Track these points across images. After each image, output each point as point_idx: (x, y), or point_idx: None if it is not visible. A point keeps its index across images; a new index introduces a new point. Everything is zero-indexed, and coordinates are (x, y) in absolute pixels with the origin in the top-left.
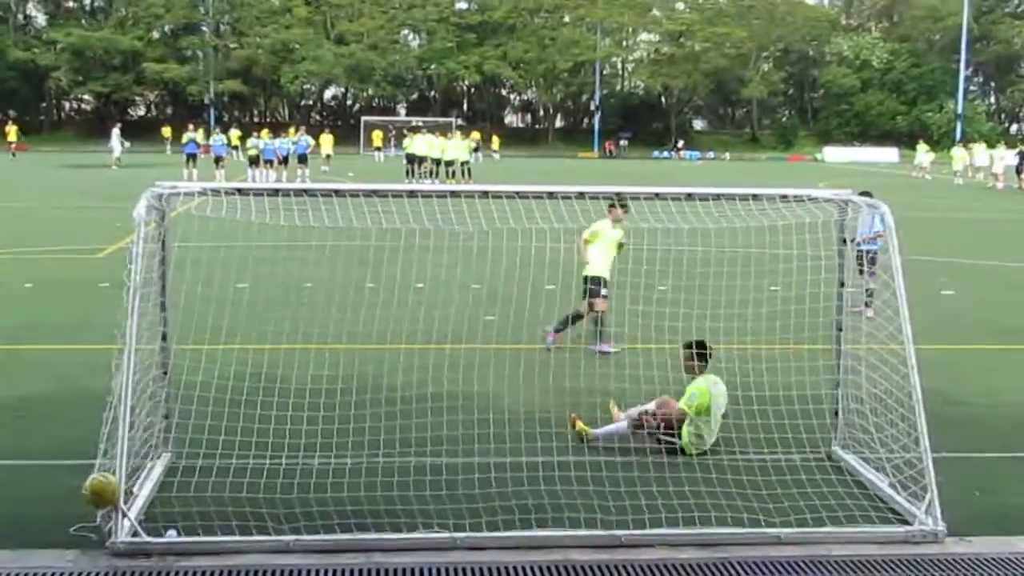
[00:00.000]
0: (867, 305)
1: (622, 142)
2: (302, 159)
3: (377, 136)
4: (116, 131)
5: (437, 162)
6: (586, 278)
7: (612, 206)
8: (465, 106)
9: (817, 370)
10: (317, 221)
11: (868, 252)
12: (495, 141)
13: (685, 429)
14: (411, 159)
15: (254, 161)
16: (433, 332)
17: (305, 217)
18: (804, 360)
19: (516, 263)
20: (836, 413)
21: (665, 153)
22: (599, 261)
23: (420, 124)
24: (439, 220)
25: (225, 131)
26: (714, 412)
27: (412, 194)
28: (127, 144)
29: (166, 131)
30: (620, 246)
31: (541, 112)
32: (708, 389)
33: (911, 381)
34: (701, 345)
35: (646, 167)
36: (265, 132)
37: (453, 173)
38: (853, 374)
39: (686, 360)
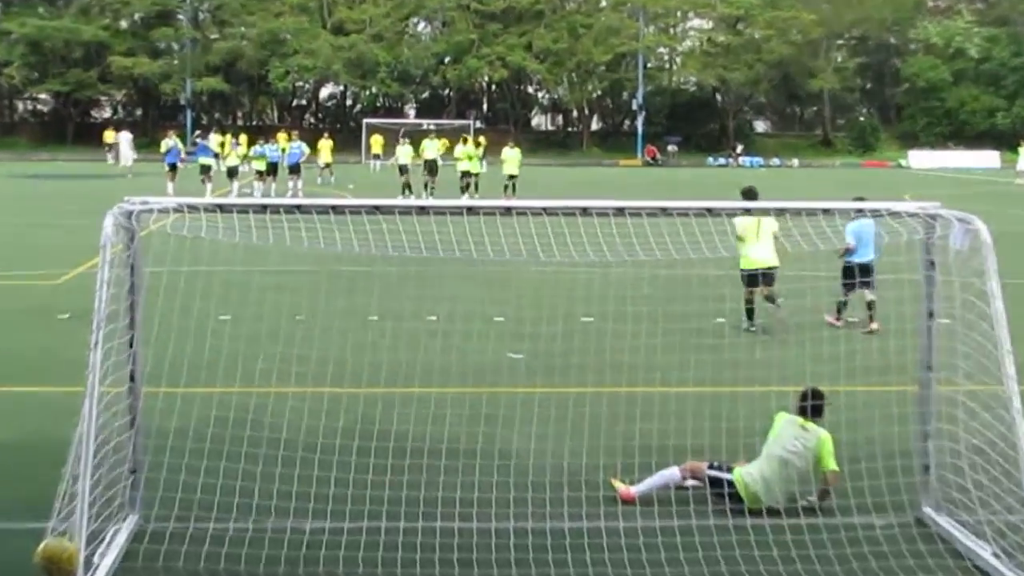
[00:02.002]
0: (871, 319)
1: (670, 147)
2: (294, 169)
3: (376, 142)
4: (126, 136)
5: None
6: (756, 273)
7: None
8: (485, 106)
9: (904, 418)
10: (312, 243)
11: (863, 265)
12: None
13: (737, 471)
14: (429, 168)
15: (264, 173)
16: (449, 372)
17: (298, 238)
18: (888, 406)
19: (545, 291)
20: (926, 468)
21: (721, 160)
22: (765, 251)
23: (432, 127)
24: (454, 242)
25: (227, 135)
26: (776, 451)
27: (423, 210)
28: (135, 154)
29: (110, 136)
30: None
31: (574, 113)
32: (777, 421)
33: (1016, 429)
34: (811, 395)
35: (700, 176)
36: (243, 137)
37: (427, 185)
38: (947, 422)
39: (799, 412)
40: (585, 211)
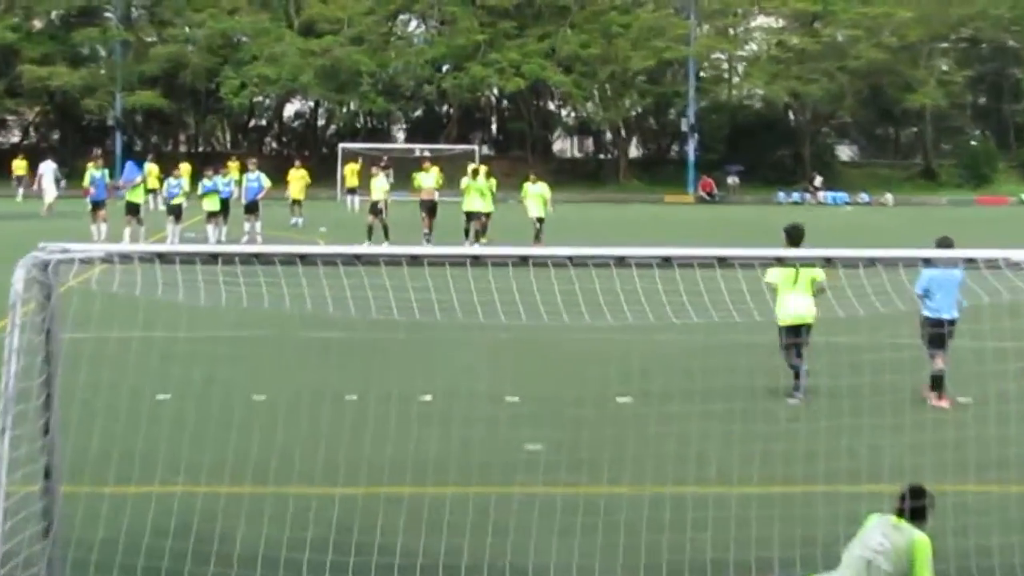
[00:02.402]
0: (939, 396)
1: (730, 179)
2: (251, 207)
3: (353, 172)
4: (49, 167)
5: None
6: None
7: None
8: (494, 127)
9: None
10: (275, 301)
11: (947, 322)
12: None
13: None
14: (429, 209)
15: (214, 213)
16: (448, 468)
17: (257, 295)
18: (1007, 509)
19: (571, 364)
20: None
21: (795, 195)
22: (805, 302)
23: (426, 153)
24: (455, 300)
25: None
26: (858, 552)
27: (415, 260)
28: (63, 183)
29: (20, 166)
30: (813, 282)
31: (607, 135)
32: (867, 522)
33: None
34: (911, 494)
35: (767, 216)
36: (185, 167)
37: (371, 231)
38: None
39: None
40: (621, 260)
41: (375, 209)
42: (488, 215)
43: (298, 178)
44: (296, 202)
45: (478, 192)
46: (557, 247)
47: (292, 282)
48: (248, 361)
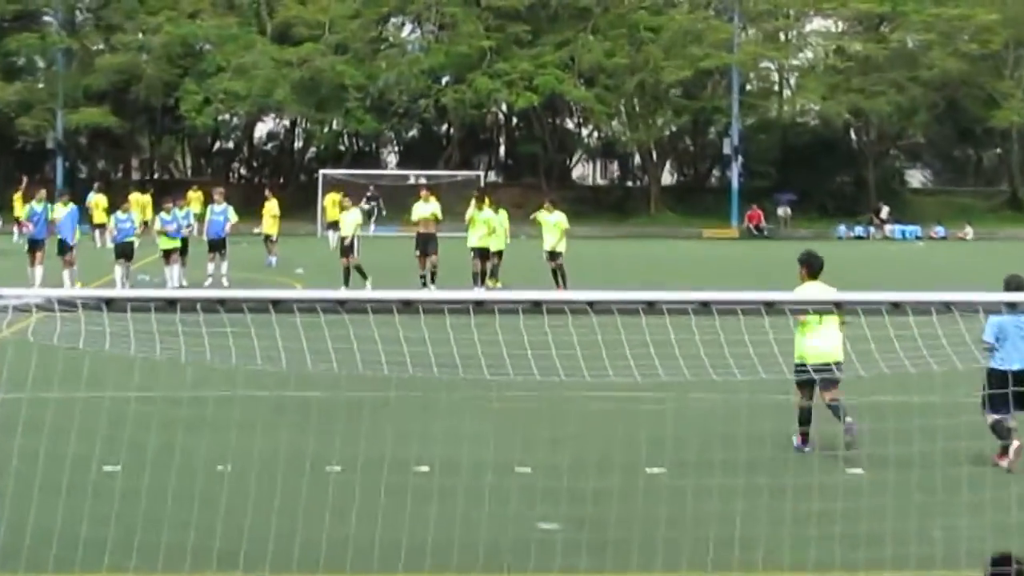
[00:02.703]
0: (1004, 452)
1: (781, 209)
2: (216, 245)
3: (333, 202)
4: None
5: (486, 254)
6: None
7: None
8: (502, 149)
9: None
10: (243, 356)
11: (1013, 373)
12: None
13: None
14: (424, 246)
15: (172, 252)
16: (450, 551)
17: (223, 348)
18: None
19: (593, 428)
20: None
21: (858, 228)
22: (830, 341)
23: (422, 181)
24: (456, 354)
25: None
26: None
27: (408, 306)
28: None
29: None
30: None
31: (635, 159)
32: None
33: None
34: (1000, 561)
35: (826, 253)
36: (137, 200)
37: (424, 278)
38: None
39: None
40: (652, 306)
41: (346, 247)
42: (500, 254)
43: (270, 212)
44: (268, 238)
45: (485, 225)
46: (577, 291)
47: (264, 333)
48: (212, 425)
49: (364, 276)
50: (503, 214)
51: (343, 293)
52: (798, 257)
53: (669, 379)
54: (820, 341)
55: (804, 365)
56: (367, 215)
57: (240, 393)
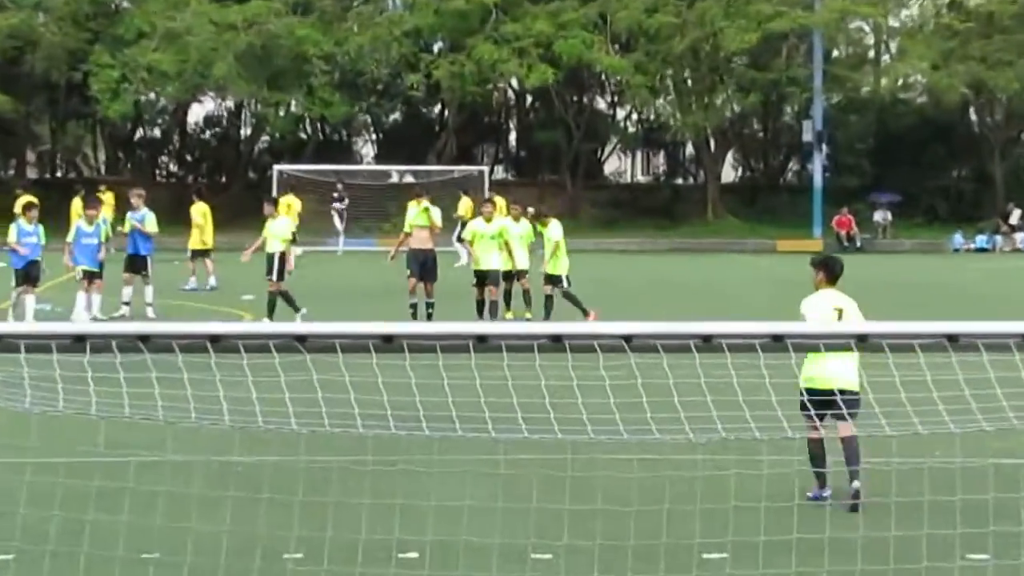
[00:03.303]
0: None
1: (879, 214)
2: (136, 263)
3: (288, 206)
4: None
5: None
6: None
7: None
8: (512, 138)
9: None
10: (173, 408)
11: None
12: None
13: None
14: (421, 266)
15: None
16: None
17: (147, 399)
18: None
19: (629, 500)
20: None
21: (980, 238)
22: (839, 364)
23: (408, 179)
24: (452, 405)
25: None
26: None
27: (389, 342)
28: None
29: None
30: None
31: (687, 149)
32: None
33: None
34: None
35: (937, 271)
36: (27, 201)
37: (414, 308)
38: None
39: None
40: (708, 341)
41: (274, 268)
42: (521, 275)
43: (201, 216)
44: (195, 254)
45: (492, 242)
46: (609, 322)
47: (201, 379)
48: (133, 501)
49: (295, 307)
50: (524, 224)
51: (303, 327)
52: (812, 260)
53: (730, 435)
54: (826, 363)
55: (810, 392)
56: (340, 215)
57: (170, 458)
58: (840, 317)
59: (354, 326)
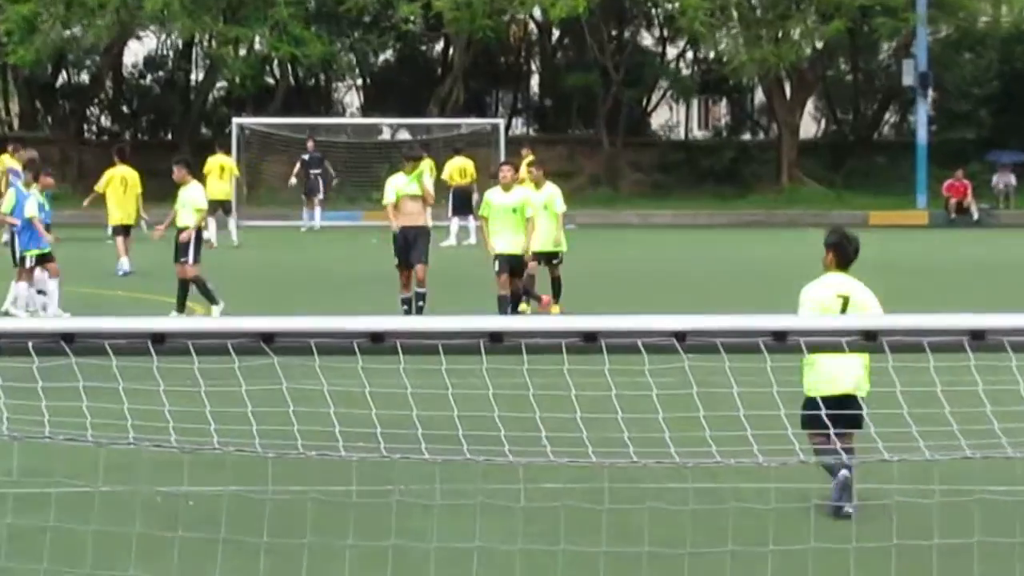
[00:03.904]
0: None
1: (999, 179)
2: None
3: (223, 169)
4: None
5: None
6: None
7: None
8: (534, 83)
9: None
10: (105, 427)
11: None
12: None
13: None
14: (403, 243)
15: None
16: None
17: (73, 414)
18: None
19: (687, 542)
20: None
21: None
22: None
23: (403, 135)
24: (458, 422)
25: None
26: None
27: (379, 341)
28: None
29: None
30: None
31: (755, 95)
32: None
33: None
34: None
35: None
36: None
37: (408, 303)
38: None
39: None
40: (782, 339)
41: (182, 247)
42: (554, 258)
43: (119, 180)
44: (116, 231)
45: (509, 218)
46: (656, 314)
47: (141, 389)
48: (55, 545)
49: (211, 299)
50: (552, 195)
51: (269, 322)
52: (826, 237)
53: (811, 460)
54: (832, 367)
55: (814, 399)
56: (308, 190)
57: (102, 490)
58: (845, 307)
59: (334, 321)
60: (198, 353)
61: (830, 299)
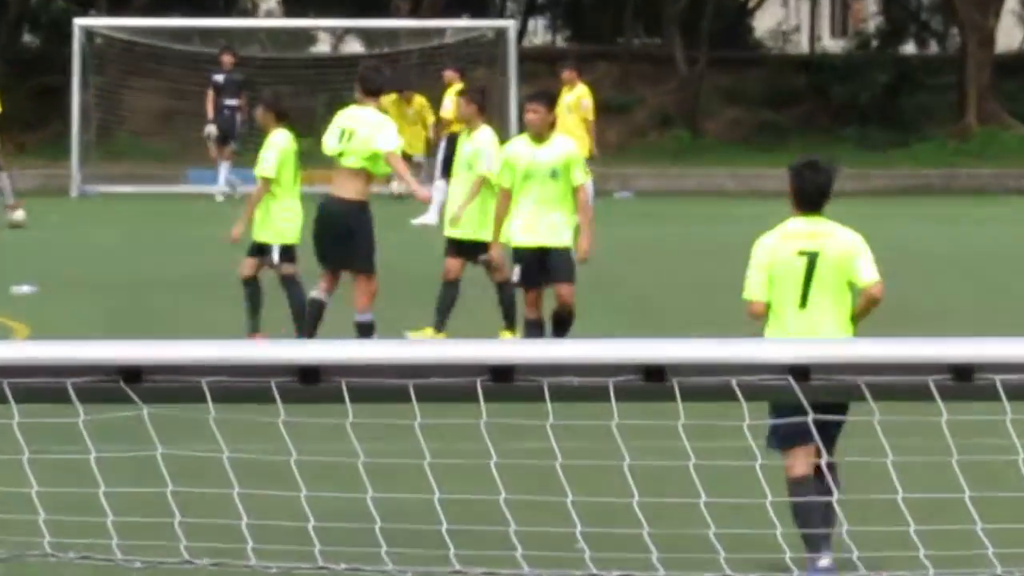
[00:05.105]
0: None
1: None
2: None
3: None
4: None
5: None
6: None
7: None
8: None
9: None
10: None
11: None
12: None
13: None
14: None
15: None
16: None
17: None
18: None
19: None
20: None
21: None
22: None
23: (358, 48)
24: (442, 515)
25: None
26: None
27: (310, 380)
28: None
29: None
30: (851, 286)
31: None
32: None
33: None
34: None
35: None
36: None
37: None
38: None
39: None
40: (967, 378)
41: None
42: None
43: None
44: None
45: (546, 186)
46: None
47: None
48: None
49: None
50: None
51: (138, 348)
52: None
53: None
54: (793, 327)
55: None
56: (222, 132)
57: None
58: (811, 266)
59: (245, 348)
60: (17, 401)
61: (789, 256)
